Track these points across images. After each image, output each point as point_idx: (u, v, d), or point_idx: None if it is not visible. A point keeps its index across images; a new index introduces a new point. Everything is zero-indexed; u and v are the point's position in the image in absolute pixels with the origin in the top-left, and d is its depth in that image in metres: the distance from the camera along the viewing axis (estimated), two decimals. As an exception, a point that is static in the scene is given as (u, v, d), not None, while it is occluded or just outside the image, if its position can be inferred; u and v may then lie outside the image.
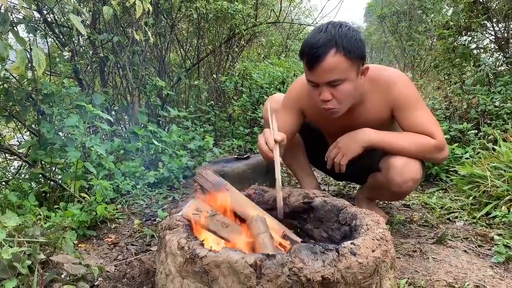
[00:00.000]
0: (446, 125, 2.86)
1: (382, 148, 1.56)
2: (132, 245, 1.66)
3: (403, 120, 1.56)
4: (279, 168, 1.36)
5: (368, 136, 1.54)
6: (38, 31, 2.45)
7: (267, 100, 2.00)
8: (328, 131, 1.82)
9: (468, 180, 2.17)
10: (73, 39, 2.71)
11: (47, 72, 2.57)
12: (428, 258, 1.52)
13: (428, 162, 2.51)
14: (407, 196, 2.26)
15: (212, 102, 3.97)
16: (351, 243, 0.98)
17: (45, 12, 2.29)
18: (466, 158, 2.43)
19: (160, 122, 3.46)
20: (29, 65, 1.95)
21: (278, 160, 1.37)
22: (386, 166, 1.58)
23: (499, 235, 1.69)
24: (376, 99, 1.57)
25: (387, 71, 1.59)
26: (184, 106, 3.97)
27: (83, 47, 2.96)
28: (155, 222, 1.89)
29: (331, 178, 2.65)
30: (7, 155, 2.44)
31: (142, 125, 2.76)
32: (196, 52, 4.31)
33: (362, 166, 1.75)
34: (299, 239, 1.31)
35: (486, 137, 2.63)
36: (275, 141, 1.40)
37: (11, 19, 1.74)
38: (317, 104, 1.53)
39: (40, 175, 2.02)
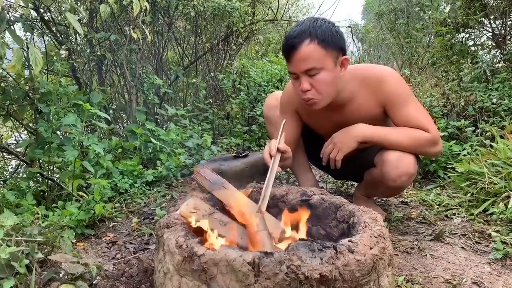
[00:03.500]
0: (444, 122, 2.86)
1: (377, 142, 1.57)
2: (131, 243, 1.66)
3: (396, 115, 1.57)
4: (273, 177, 1.40)
5: (363, 130, 1.55)
6: (35, 30, 2.44)
7: (267, 98, 2.02)
8: (322, 130, 1.83)
9: (466, 177, 2.18)
10: (70, 37, 2.70)
11: (44, 71, 2.57)
12: (426, 255, 1.53)
13: (425, 159, 2.52)
14: (405, 193, 2.27)
15: (210, 100, 3.96)
16: (349, 241, 0.99)
17: (42, 10, 2.28)
18: (464, 155, 2.43)
19: (158, 120, 3.45)
20: (26, 63, 1.94)
21: (274, 170, 1.43)
22: (381, 161, 1.58)
23: (497, 231, 1.70)
24: (367, 97, 1.58)
25: (376, 68, 1.60)
26: (182, 104, 3.96)
27: (80, 46, 2.95)
28: (153, 221, 1.89)
29: (330, 176, 2.65)
30: (4, 154, 2.43)
31: (140, 124, 2.75)
32: (193, 50, 4.31)
33: (360, 164, 1.76)
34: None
35: (484, 134, 2.64)
36: (278, 150, 1.47)
37: (8, 17, 1.73)
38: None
39: (38, 174, 2.02)
